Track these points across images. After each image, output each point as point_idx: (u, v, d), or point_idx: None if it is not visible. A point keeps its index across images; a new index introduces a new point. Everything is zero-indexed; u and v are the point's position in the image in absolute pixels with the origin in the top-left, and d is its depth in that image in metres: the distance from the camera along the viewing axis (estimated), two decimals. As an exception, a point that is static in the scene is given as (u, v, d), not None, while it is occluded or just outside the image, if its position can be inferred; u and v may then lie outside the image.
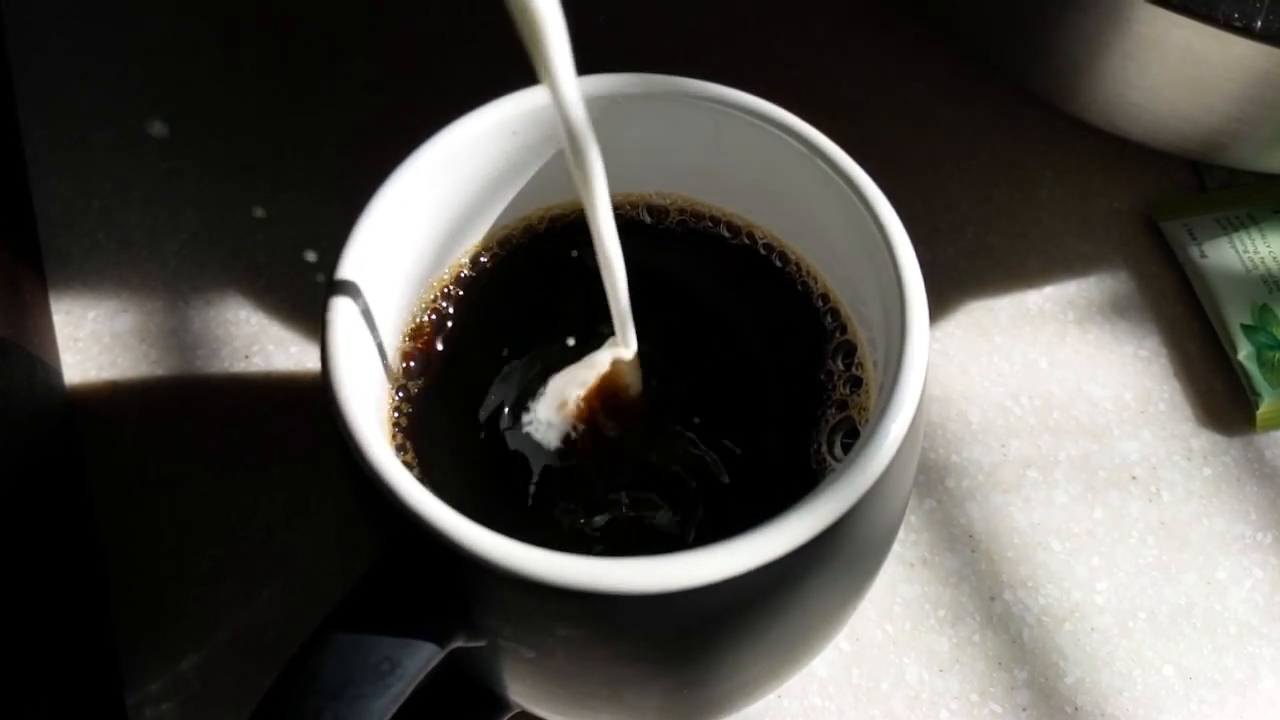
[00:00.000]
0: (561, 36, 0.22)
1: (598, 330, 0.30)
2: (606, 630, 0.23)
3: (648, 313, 0.28)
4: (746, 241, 0.31)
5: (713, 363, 0.30)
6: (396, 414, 0.29)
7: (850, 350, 0.29)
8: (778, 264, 0.31)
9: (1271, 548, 0.36)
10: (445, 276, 0.31)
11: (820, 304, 0.30)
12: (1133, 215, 0.43)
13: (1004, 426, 0.38)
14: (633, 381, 0.29)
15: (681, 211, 0.32)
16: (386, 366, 0.29)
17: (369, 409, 0.25)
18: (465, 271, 0.31)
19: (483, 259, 0.31)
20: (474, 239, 0.31)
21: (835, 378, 0.29)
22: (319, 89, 0.46)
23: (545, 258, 0.31)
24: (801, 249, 0.31)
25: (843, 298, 0.30)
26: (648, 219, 0.32)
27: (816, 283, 0.30)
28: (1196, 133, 0.39)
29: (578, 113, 0.23)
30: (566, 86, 0.23)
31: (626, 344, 0.28)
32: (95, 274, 0.41)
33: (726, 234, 0.31)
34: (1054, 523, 0.37)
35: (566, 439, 0.28)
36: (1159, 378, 0.39)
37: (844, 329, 0.29)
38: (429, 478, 0.28)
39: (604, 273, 0.26)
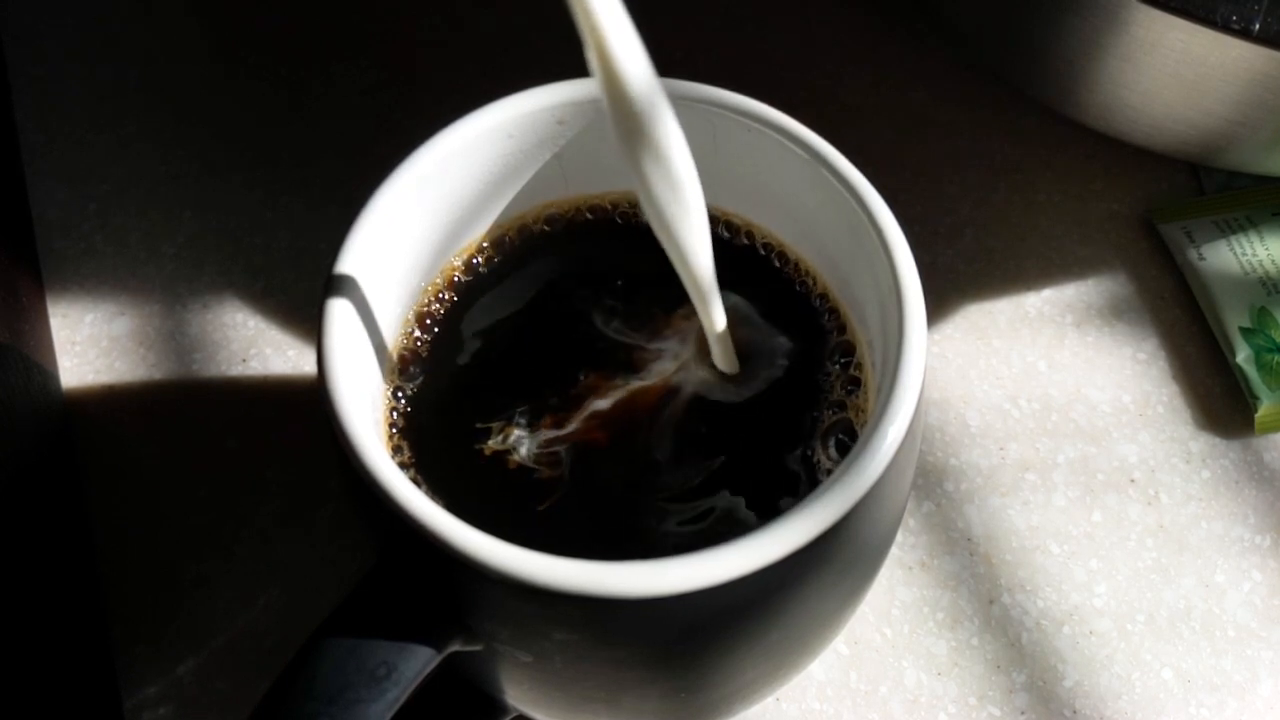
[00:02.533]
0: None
1: (597, 327, 0.30)
2: (604, 634, 0.23)
3: (647, 312, 0.28)
4: (745, 241, 0.31)
5: (709, 364, 0.30)
6: (393, 414, 0.29)
7: (848, 351, 0.29)
8: (776, 264, 0.31)
9: (1270, 551, 0.36)
10: (440, 279, 0.31)
11: (819, 304, 0.30)
12: (1131, 218, 0.43)
13: (1002, 429, 0.38)
14: (728, 357, 0.28)
15: None
16: (383, 369, 0.29)
17: (365, 412, 0.25)
18: (460, 274, 0.31)
19: (478, 259, 0.31)
20: (470, 240, 0.31)
21: (833, 378, 0.29)
22: (316, 93, 0.46)
23: (542, 256, 0.31)
24: (800, 250, 0.31)
25: (841, 299, 0.30)
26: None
27: (815, 283, 0.30)
28: (1194, 135, 0.39)
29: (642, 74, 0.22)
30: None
31: (714, 320, 0.27)
32: (92, 277, 0.41)
33: (725, 233, 0.31)
34: (1052, 526, 0.37)
35: (564, 441, 0.28)
36: (1157, 381, 0.39)
37: (842, 329, 0.29)
38: (425, 480, 0.28)
39: (673, 245, 0.25)
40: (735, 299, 0.30)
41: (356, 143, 0.44)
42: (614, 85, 0.22)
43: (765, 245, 0.31)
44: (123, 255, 0.41)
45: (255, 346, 0.39)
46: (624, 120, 0.22)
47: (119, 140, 0.44)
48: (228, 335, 0.40)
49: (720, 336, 0.28)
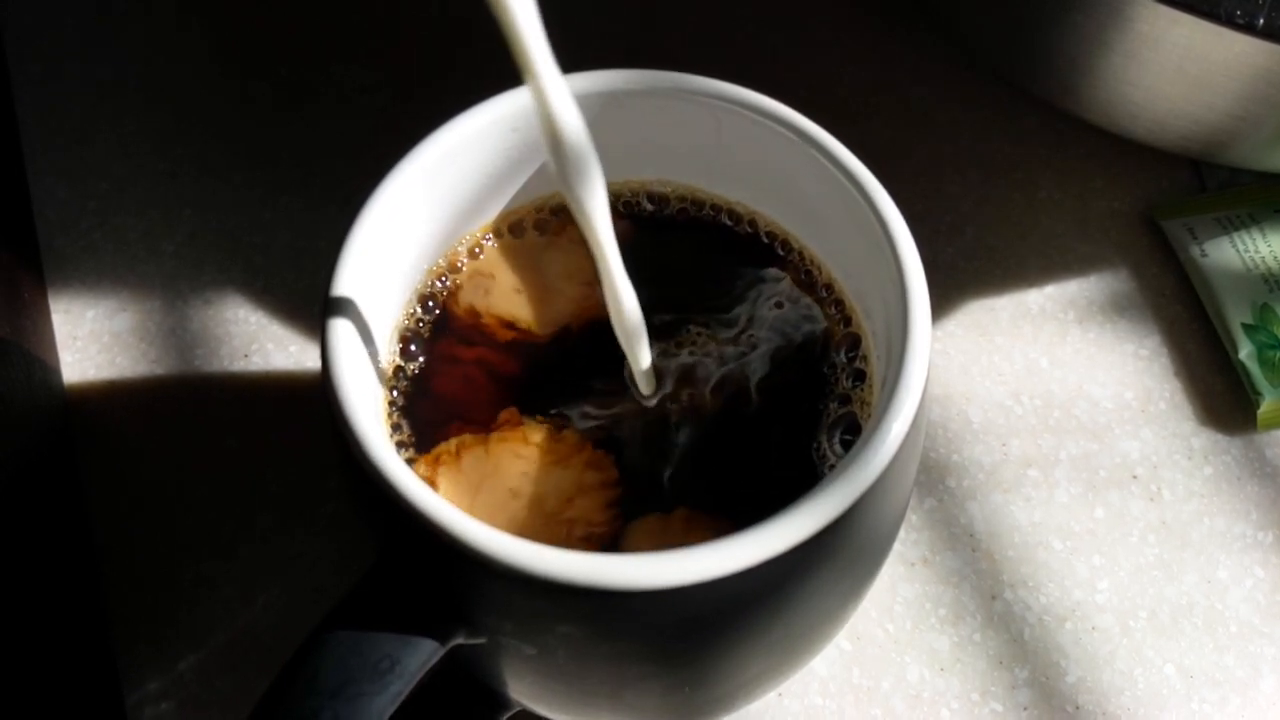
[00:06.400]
0: (539, 38, 0.22)
1: (600, 315, 0.30)
2: (607, 627, 0.23)
3: (647, 302, 0.28)
4: (749, 229, 0.31)
5: (714, 353, 0.30)
6: (393, 392, 0.28)
7: (854, 343, 0.29)
8: (780, 252, 0.31)
9: (1272, 547, 0.36)
10: (444, 261, 0.30)
11: (824, 294, 0.30)
12: (1133, 215, 0.43)
13: (1005, 426, 0.38)
14: (647, 391, 0.29)
15: (682, 199, 0.32)
16: (384, 364, 0.29)
17: (368, 406, 0.25)
18: (464, 259, 0.31)
19: (481, 246, 0.31)
20: (476, 228, 0.31)
21: (839, 370, 0.29)
22: (316, 91, 0.46)
23: (546, 247, 0.31)
24: (804, 239, 0.31)
25: (847, 289, 0.30)
26: (648, 206, 0.32)
27: (820, 272, 0.30)
28: (1197, 131, 0.39)
29: (571, 121, 0.23)
30: (551, 86, 0.23)
31: (638, 360, 0.28)
32: (93, 274, 0.41)
33: (728, 222, 0.31)
34: (1055, 522, 0.37)
35: (564, 424, 0.28)
36: (1160, 377, 0.39)
37: (848, 321, 0.29)
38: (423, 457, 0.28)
39: (606, 290, 0.26)
40: (774, 270, 0.30)
41: (356, 142, 0.44)
42: (554, 143, 0.24)
43: (769, 234, 0.31)
44: (123, 253, 0.41)
45: (257, 342, 0.39)
46: (559, 167, 0.24)
47: (119, 139, 0.44)
48: (229, 331, 0.40)
49: (645, 373, 0.28)
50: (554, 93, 0.23)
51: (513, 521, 0.27)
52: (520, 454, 0.28)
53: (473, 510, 0.27)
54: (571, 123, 0.23)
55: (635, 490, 0.28)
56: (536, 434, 0.28)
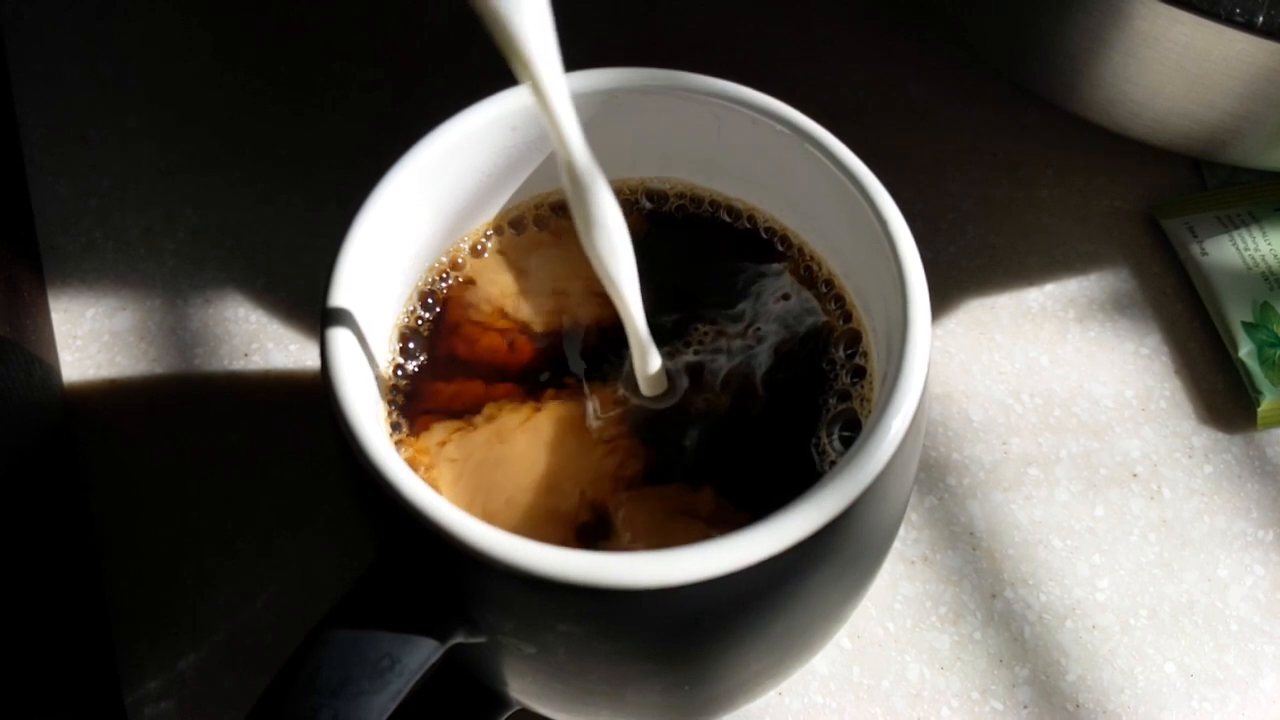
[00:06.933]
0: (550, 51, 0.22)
1: (601, 311, 0.30)
2: (608, 626, 0.23)
3: (648, 300, 0.28)
4: (748, 225, 0.31)
5: (717, 349, 0.30)
6: (393, 391, 0.28)
7: (854, 339, 0.29)
8: (779, 248, 0.31)
9: (1273, 545, 0.36)
10: (445, 259, 0.31)
11: (824, 289, 0.30)
12: (1134, 213, 0.43)
13: (1005, 424, 0.38)
14: (648, 391, 0.29)
15: (681, 196, 0.32)
16: (384, 362, 0.28)
17: (368, 406, 0.25)
18: (464, 256, 0.31)
19: (483, 244, 0.31)
20: (476, 227, 0.31)
21: (838, 366, 0.29)
22: (317, 89, 0.46)
23: (548, 244, 0.31)
24: (804, 236, 0.31)
25: (847, 286, 0.30)
26: (647, 204, 0.32)
27: (820, 268, 0.30)
28: (1198, 130, 0.39)
29: (578, 146, 0.23)
30: (556, 98, 0.23)
31: (647, 366, 0.28)
32: (93, 272, 0.41)
33: (727, 218, 0.31)
34: (1055, 520, 0.37)
35: (568, 428, 0.28)
36: (1160, 375, 0.39)
37: (848, 317, 0.29)
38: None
39: (615, 300, 0.26)
40: (774, 265, 0.30)
41: (356, 139, 0.44)
42: (569, 171, 0.24)
43: (768, 230, 0.31)
44: (123, 251, 0.41)
45: (257, 341, 0.39)
46: (574, 198, 0.24)
47: (119, 136, 0.44)
48: (229, 330, 0.40)
49: (653, 377, 0.28)
50: (584, 170, 0.23)
51: (525, 497, 0.27)
52: (552, 429, 0.28)
53: (480, 471, 0.27)
54: (618, 228, 0.24)
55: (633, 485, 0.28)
56: (573, 411, 0.28)
